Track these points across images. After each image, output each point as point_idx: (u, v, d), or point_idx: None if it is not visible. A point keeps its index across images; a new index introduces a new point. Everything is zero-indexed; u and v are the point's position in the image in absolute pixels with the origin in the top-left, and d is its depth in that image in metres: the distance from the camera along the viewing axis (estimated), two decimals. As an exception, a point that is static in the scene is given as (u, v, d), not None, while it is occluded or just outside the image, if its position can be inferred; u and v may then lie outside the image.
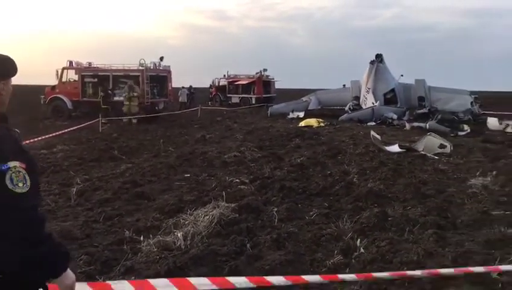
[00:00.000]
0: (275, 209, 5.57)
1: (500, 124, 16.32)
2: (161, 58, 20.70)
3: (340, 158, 9.54)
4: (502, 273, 3.44)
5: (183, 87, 28.84)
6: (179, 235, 4.49)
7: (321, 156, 9.75)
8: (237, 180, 7.23)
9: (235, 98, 31.33)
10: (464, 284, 3.40)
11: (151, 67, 20.12)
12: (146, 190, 6.82)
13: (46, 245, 1.60)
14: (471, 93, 20.64)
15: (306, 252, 4.25)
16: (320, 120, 17.95)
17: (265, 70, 31.19)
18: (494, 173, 7.70)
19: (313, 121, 17.68)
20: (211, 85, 34.03)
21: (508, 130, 15.68)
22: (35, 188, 1.60)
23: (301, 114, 21.22)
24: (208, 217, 4.97)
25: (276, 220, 5.17)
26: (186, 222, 4.93)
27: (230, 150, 10.26)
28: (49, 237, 1.64)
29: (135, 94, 17.99)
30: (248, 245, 4.39)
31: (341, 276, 2.48)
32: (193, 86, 30.62)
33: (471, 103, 19.61)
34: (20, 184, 1.54)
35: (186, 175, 7.95)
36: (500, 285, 3.46)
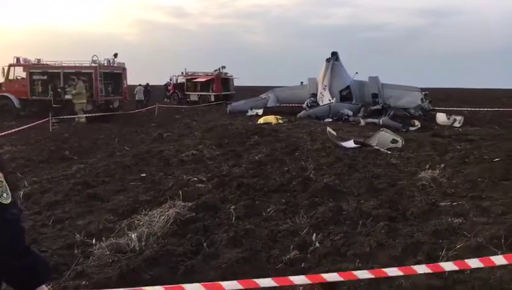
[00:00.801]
0: (233, 206, 5.55)
1: (448, 119, 17.18)
2: (115, 55, 20.10)
3: (298, 155, 9.68)
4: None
5: (139, 85, 28.14)
6: (133, 236, 4.36)
7: (279, 152, 9.84)
8: (195, 178, 7.15)
9: (194, 96, 31.01)
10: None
11: (105, 64, 19.49)
12: (99, 191, 6.59)
13: (30, 256, 1.56)
14: (422, 90, 21.55)
15: (263, 248, 4.26)
16: (279, 117, 18.12)
17: (223, 67, 31.06)
18: (442, 166, 8.08)
19: (271, 118, 17.81)
20: (168, 83, 33.48)
21: (456, 124, 16.54)
22: (13, 198, 1.54)
23: (260, 111, 21.32)
24: (163, 217, 4.88)
25: (233, 218, 5.16)
26: (141, 223, 4.81)
27: (188, 148, 10.13)
28: (30, 248, 1.62)
29: (77, 91, 17.33)
30: (205, 244, 4.35)
31: (292, 278, 2.49)
32: (150, 84, 29.97)
33: (422, 99, 20.47)
34: (4, 195, 1.47)
35: (142, 175, 7.77)
36: (446, 273, 3.62)
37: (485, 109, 23.55)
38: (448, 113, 18.07)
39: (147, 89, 28.62)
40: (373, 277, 2.82)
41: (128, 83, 21.70)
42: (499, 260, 3.21)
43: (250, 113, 21.32)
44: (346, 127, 15.98)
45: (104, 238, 4.46)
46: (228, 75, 31.99)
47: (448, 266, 3.08)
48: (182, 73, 32.39)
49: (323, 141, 11.48)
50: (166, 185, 6.79)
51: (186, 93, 31.39)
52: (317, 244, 4.31)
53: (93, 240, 4.45)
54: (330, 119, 18.67)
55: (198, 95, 30.88)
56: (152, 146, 10.89)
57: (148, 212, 5.17)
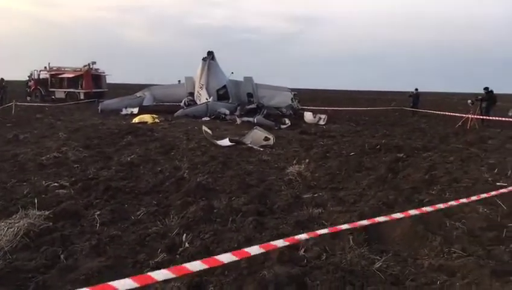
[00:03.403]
0: (98, 212, 5.17)
1: (314, 117, 18.76)
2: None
3: (173, 154, 9.50)
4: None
5: (-8, 80, 24.56)
6: (-29, 255, 3.75)
7: (153, 152, 9.55)
8: (55, 184, 6.49)
9: (60, 93, 28.32)
10: (276, 265, 3.72)
11: None
12: None
13: None
14: (291, 90, 23.09)
15: (129, 254, 4.04)
16: (155, 116, 17.62)
17: (94, 63, 28.93)
18: (307, 161, 8.74)
19: (147, 117, 17.23)
20: (29, 78, 29.86)
21: (320, 122, 18.15)
22: None
23: (135, 110, 20.48)
24: (12, 229, 4.29)
25: (97, 225, 4.80)
26: (-17, 239, 4.15)
27: (49, 151, 9.15)
28: None
29: None
30: (62, 256, 3.95)
31: (152, 275, 2.39)
32: (5, 79, 26.31)
33: (292, 99, 21.96)
34: None
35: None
36: (305, 261, 3.91)
37: (344, 109, 26.32)
38: (315, 112, 19.72)
39: (2, 84, 25.11)
40: (237, 258, 2.88)
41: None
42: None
43: (124, 112, 20.33)
44: (223, 125, 16.27)
45: None
46: (100, 71, 29.92)
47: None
48: (46, 68, 29.23)
49: (199, 140, 11.49)
50: (19, 193, 6.00)
51: (51, 90, 28.47)
52: (186, 245, 4.26)
53: None
54: (207, 118, 18.84)
55: (65, 92, 28.25)
56: (5, 149, 9.56)
57: (-6, 225, 4.49)
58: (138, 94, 23.08)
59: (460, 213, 5.23)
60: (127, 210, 5.41)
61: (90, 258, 3.91)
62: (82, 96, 27.71)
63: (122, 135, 12.21)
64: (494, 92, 18.89)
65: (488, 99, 18.49)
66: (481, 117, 17.66)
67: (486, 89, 18.80)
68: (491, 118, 17.58)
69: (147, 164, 8.29)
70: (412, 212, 4.15)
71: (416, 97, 24.59)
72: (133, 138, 11.80)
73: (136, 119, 16.83)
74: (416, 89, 24.72)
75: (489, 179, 7.40)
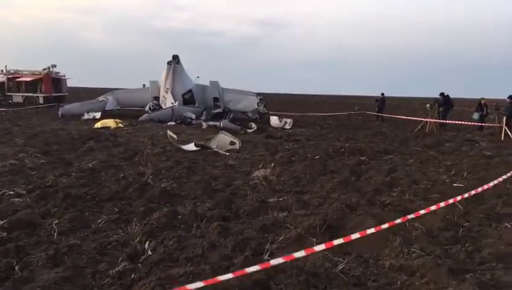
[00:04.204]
0: (56, 221, 4.97)
1: (280, 121, 18.92)
2: None
3: (137, 159, 9.31)
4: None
5: None
6: None
7: (116, 158, 9.32)
8: (11, 192, 6.18)
9: (18, 97, 27.15)
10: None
11: None
12: None
13: None
14: (257, 94, 23.20)
15: (88, 264, 3.90)
16: (119, 121, 17.24)
17: (54, 66, 27.95)
18: (273, 165, 8.80)
19: (110, 122, 16.83)
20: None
21: (286, 126, 18.32)
22: None
23: (98, 115, 19.92)
24: (-39, 241, 4.05)
25: (55, 234, 4.61)
26: None
27: (5, 158, 8.75)
28: None
29: None
30: (17, 267, 3.76)
31: None
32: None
33: (258, 103, 22.05)
34: None
35: None
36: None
37: (310, 114, 26.72)
38: (280, 117, 19.89)
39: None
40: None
41: None
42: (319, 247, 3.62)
43: (86, 116, 19.75)
44: (188, 130, 16.12)
45: None
46: (60, 74, 28.94)
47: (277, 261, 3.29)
48: (2, 71, 27.93)
49: (164, 145, 11.32)
50: (-30, 203, 5.68)
51: (8, 94, 27.23)
52: (149, 253, 4.16)
53: None
54: (173, 123, 18.61)
55: (23, 96, 27.11)
56: (-45, 157, 9.04)
57: None
58: (101, 98, 22.47)
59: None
60: (87, 218, 5.23)
61: (47, 269, 3.75)
62: (41, 101, 26.71)
63: (83, 141, 11.86)
64: (451, 96, 19.73)
65: (445, 104, 19.29)
66: (439, 121, 18.39)
67: (442, 94, 19.61)
68: (447, 121, 18.34)
69: (109, 170, 8.07)
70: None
71: (382, 102, 24.85)
72: (95, 143, 11.48)
73: (98, 124, 16.39)
74: (383, 94, 24.95)
75: (447, 180, 7.71)
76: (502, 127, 15.12)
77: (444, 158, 10.22)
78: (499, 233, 4.86)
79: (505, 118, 15.82)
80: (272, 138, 14.11)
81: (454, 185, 7.34)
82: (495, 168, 8.77)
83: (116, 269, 3.77)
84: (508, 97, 16.50)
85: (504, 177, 6.75)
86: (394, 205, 6.00)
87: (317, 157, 9.97)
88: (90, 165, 8.41)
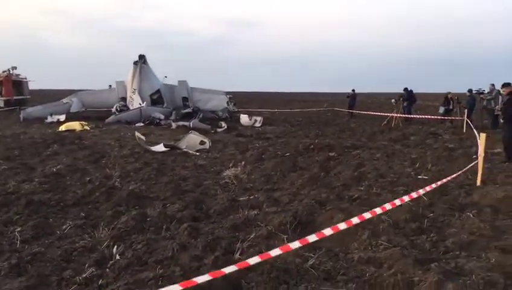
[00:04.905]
0: (18, 229, 4.78)
1: (250, 119, 18.94)
2: None
3: (104, 162, 9.09)
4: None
5: None
6: None
7: (82, 161, 9.06)
8: (-32, 201, 5.90)
9: (-25, 101, 25.94)
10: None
11: None
12: None
13: None
14: (227, 93, 23.12)
15: (53, 272, 3.76)
16: (84, 123, 16.77)
17: (14, 68, 26.90)
18: (243, 163, 8.79)
19: (75, 125, 16.32)
20: None
21: (256, 124, 18.36)
22: None
23: (62, 117, 19.29)
24: None
25: (18, 242, 4.43)
26: None
27: (-39, 165, 8.34)
28: None
29: None
30: (-24, 280, 3.59)
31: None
32: None
33: (227, 102, 21.98)
34: None
35: None
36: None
37: (279, 110, 26.88)
38: (250, 115, 19.90)
39: None
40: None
41: None
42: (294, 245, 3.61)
43: (49, 119, 19.08)
44: (158, 130, 15.88)
45: None
46: (21, 76, 27.87)
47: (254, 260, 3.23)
48: (-42, 73, 26.66)
49: (132, 146, 11.11)
50: None
51: (-36, 97, 26.02)
52: (117, 257, 4.06)
53: None
54: (142, 124, 18.29)
55: (-18, 100, 25.97)
56: None
57: None
58: (65, 100, 21.76)
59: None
60: (52, 225, 5.06)
61: (10, 279, 3.59)
62: (2, 104, 25.67)
63: (47, 144, 11.47)
64: (414, 91, 20.35)
65: (409, 98, 19.86)
66: (403, 115, 18.91)
67: (405, 89, 20.18)
68: (412, 116, 18.90)
69: (74, 173, 7.84)
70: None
71: (353, 98, 24.82)
72: (59, 147, 11.13)
73: (62, 127, 15.87)
74: (353, 90, 24.82)
75: (412, 173, 7.94)
76: (464, 120, 15.72)
77: (409, 151, 10.52)
78: (461, 223, 5.03)
79: (466, 111, 16.46)
80: (242, 136, 14.10)
81: (419, 177, 7.57)
82: (457, 160, 9.11)
83: (83, 276, 3.66)
84: (468, 91, 17.18)
85: (465, 169, 7.01)
86: (362, 199, 6.12)
87: (287, 154, 10.04)
88: (54, 169, 8.14)
